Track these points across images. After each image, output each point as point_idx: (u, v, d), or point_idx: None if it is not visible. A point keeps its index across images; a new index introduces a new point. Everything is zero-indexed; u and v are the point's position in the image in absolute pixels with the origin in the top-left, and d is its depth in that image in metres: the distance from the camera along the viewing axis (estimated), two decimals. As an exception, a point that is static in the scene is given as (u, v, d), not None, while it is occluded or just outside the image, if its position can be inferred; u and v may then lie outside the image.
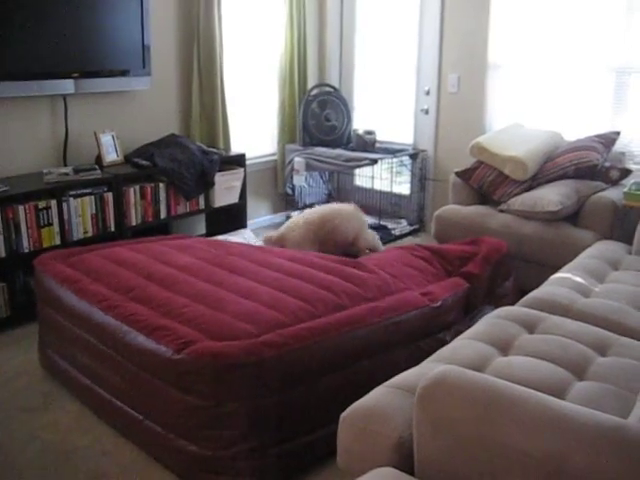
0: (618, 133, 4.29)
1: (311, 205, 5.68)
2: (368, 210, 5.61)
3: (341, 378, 2.52)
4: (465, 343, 2.28)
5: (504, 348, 2.27)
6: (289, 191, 5.77)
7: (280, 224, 5.66)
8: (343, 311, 2.68)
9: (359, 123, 5.94)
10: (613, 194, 3.95)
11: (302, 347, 2.38)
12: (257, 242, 4.46)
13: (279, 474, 2.37)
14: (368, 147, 5.41)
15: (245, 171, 4.99)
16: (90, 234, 4.06)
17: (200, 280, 2.91)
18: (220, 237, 4.50)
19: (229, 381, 2.24)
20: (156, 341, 2.40)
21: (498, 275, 3.51)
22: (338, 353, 2.50)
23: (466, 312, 3.23)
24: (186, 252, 3.33)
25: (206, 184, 4.67)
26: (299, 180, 5.60)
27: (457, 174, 4.54)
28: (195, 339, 2.35)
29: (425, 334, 2.89)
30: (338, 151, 5.42)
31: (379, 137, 5.60)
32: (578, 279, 3.01)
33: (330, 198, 6.01)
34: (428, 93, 5.41)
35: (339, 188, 6.10)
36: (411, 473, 1.60)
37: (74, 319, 2.87)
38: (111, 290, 2.87)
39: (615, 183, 4.14)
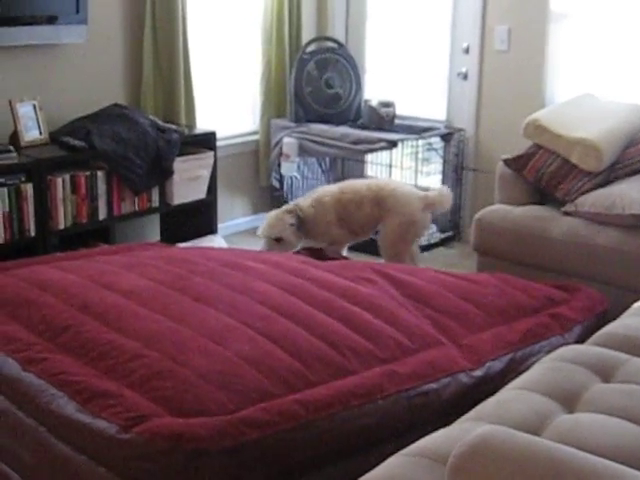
0: None
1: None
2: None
3: (346, 471, 2.48)
4: (515, 395, 2.27)
5: (569, 402, 2.26)
6: (276, 183, 5.78)
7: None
8: (348, 377, 2.64)
9: (372, 92, 5.95)
10: None
11: (294, 428, 2.35)
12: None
13: None
14: (384, 124, 5.42)
15: (215, 156, 4.99)
16: (1, 240, 4.06)
17: (154, 313, 2.88)
18: (184, 245, 4.50)
19: (197, 473, 2.21)
20: (94, 414, 2.36)
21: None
22: (342, 437, 2.47)
23: None
24: (135, 271, 3.31)
25: (162, 173, 4.67)
26: (289, 169, 5.60)
27: (506, 163, 4.54)
28: (149, 412, 2.32)
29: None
30: (343, 129, 5.42)
31: (399, 111, 5.60)
32: (671, 308, 3.01)
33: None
34: (467, 51, 5.42)
35: (344, 180, 6.10)
36: None
37: None
38: (33, 333, 2.81)
39: None
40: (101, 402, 2.38)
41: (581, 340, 3.08)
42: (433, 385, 2.72)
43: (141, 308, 2.92)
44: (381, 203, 4.48)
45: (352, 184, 4.68)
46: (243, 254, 3.72)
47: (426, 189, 4.86)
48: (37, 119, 4.42)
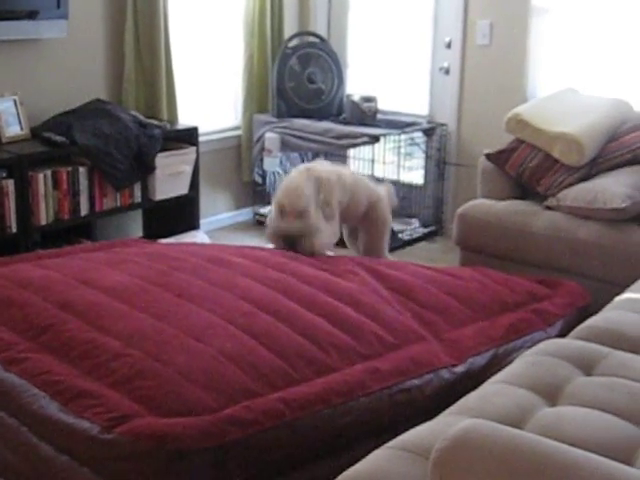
0: None
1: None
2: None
3: (330, 468, 2.47)
4: (498, 389, 2.28)
5: (551, 396, 2.27)
6: (258, 179, 5.77)
7: (246, 224, 5.65)
8: (331, 374, 2.64)
9: (354, 86, 5.95)
10: (700, 186, 3.98)
11: (277, 427, 2.35)
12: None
13: None
14: (367, 119, 5.42)
15: (198, 151, 4.99)
16: (-18, 237, 4.04)
17: (136, 310, 2.87)
18: (166, 240, 4.49)
19: (180, 473, 2.20)
20: (77, 414, 2.35)
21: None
22: (326, 434, 2.48)
23: None
24: (117, 267, 3.29)
25: (144, 169, 4.66)
26: (272, 164, 5.59)
27: (488, 157, 4.55)
28: (131, 412, 2.31)
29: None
30: (325, 124, 5.42)
31: (382, 106, 5.60)
32: (653, 301, 3.02)
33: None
34: (449, 46, 5.43)
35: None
36: None
37: None
38: (13, 332, 2.80)
39: (703, 171, 4.17)
40: (83, 402, 2.38)
41: (563, 334, 3.10)
42: (415, 381, 2.72)
43: (123, 305, 2.91)
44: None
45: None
46: (226, 249, 3.71)
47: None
48: (18, 114, 4.40)
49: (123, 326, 2.75)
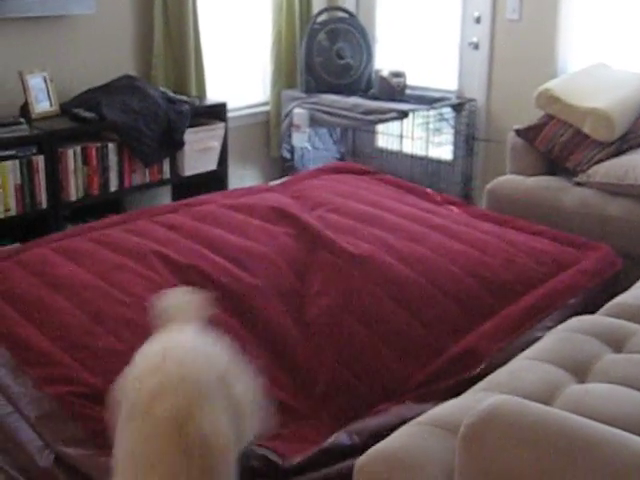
0: None
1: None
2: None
3: None
4: (527, 365, 2.29)
5: (580, 372, 2.27)
6: (286, 154, 5.77)
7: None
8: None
9: (383, 62, 5.93)
10: None
11: None
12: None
13: None
14: (395, 95, 5.41)
15: (226, 127, 5.00)
16: (13, 212, 4.08)
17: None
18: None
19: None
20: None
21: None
22: None
23: None
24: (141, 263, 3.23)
25: (173, 144, 4.68)
26: (300, 139, 5.59)
27: (518, 133, 4.54)
28: None
29: None
30: (354, 100, 5.41)
31: (410, 81, 5.59)
32: (683, 278, 3.01)
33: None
34: (479, 21, 5.40)
35: (355, 151, 6.10)
36: (451, 541, 1.62)
37: None
38: (48, 338, 2.71)
39: None
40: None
41: (587, 304, 3.11)
42: None
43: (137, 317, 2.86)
44: None
45: None
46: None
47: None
48: (47, 91, 4.42)
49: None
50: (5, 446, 2.53)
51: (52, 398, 2.40)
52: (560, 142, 4.37)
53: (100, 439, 2.24)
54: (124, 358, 2.54)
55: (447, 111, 5.50)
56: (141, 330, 2.68)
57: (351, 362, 2.78)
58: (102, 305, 2.87)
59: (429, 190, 4.29)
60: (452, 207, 4.03)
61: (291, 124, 5.58)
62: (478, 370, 2.72)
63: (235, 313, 2.94)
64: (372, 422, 2.50)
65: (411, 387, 2.71)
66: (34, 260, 3.24)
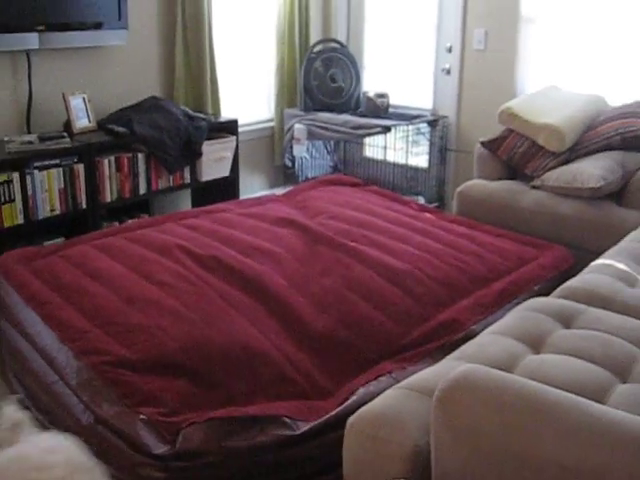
0: (671, 97, 4.28)
1: (314, 179, 5.68)
2: (380, 185, 5.60)
3: None
4: (491, 339, 2.29)
5: (536, 345, 2.27)
6: (288, 163, 5.76)
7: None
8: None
9: (370, 85, 5.92)
10: (664, 168, 3.95)
11: None
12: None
13: None
14: (380, 112, 5.40)
15: (237, 140, 4.98)
16: (58, 212, 4.06)
17: (189, 310, 2.78)
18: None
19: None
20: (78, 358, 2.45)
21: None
22: None
23: None
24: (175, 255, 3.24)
25: (192, 154, 4.67)
26: (300, 150, 5.59)
27: (483, 144, 4.53)
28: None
29: None
30: (345, 117, 5.40)
31: (393, 101, 5.58)
32: (622, 266, 3.00)
33: (336, 171, 6.01)
34: (450, 50, 5.39)
35: (346, 160, 6.10)
36: (428, 487, 1.62)
37: (41, 351, 2.69)
38: (86, 318, 2.71)
39: (667, 155, 4.13)
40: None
41: (547, 292, 3.10)
42: None
43: (176, 303, 2.84)
44: None
45: None
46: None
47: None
48: (86, 110, 4.41)
49: (172, 333, 2.68)
50: (53, 409, 2.55)
51: (89, 367, 2.40)
52: (519, 152, 4.36)
53: (129, 399, 2.26)
54: (150, 331, 2.59)
55: (423, 126, 5.49)
56: (166, 309, 2.73)
57: (352, 325, 2.79)
58: (133, 290, 2.88)
59: (410, 199, 4.32)
60: (427, 214, 4.06)
61: (292, 137, 5.57)
62: (461, 335, 2.80)
63: (248, 291, 2.95)
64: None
65: (404, 346, 2.74)
66: (76, 254, 3.27)
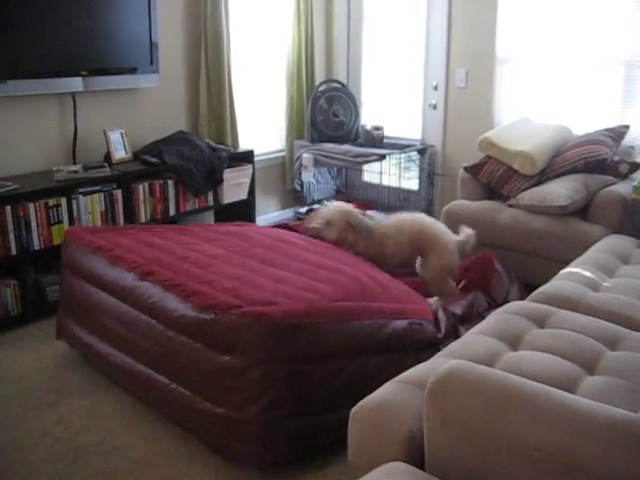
0: (627, 127, 4.28)
1: (319, 201, 5.69)
2: (376, 205, 5.61)
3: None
4: (475, 338, 2.29)
5: (514, 343, 2.27)
6: (297, 187, 5.77)
7: (288, 220, 5.66)
8: (374, 302, 2.81)
9: (367, 119, 5.93)
10: (622, 188, 3.94)
11: (338, 322, 2.50)
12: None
13: (296, 445, 2.42)
14: (376, 143, 5.41)
15: (253, 167, 5.00)
16: (100, 231, 4.07)
17: (233, 267, 2.95)
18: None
19: (274, 343, 2.31)
20: (192, 304, 2.48)
21: (488, 286, 3.59)
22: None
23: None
24: (213, 244, 3.36)
25: (215, 181, 4.68)
26: (307, 176, 5.60)
27: (465, 169, 4.54)
28: (235, 304, 2.42)
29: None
30: (346, 147, 5.41)
31: (387, 133, 5.59)
32: (588, 273, 3.00)
33: (338, 194, 6.01)
34: (436, 88, 5.41)
35: (347, 184, 6.10)
36: (421, 467, 1.61)
37: (106, 286, 2.95)
38: (146, 260, 2.93)
39: (625, 177, 4.12)
40: (197, 297, 2.51)
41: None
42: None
43: (223, 264, 2.98)
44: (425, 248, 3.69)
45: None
46: (284, 233, 3.73)
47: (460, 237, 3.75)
48: (123, 143, 4.43)
49: (224, 272, 2.85)
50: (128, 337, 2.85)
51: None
52: (497, 175, 4.36)
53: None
54: (205, 278, 2.73)
55: (414, 154, 5.49)
56: (212, 269, 2.89)
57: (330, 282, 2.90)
58: (184, 254, 3.08)
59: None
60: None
61: (301, 165, 5.58)
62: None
63: (256, 260, 3.10)
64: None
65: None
66: (130, 232, 3.43)
